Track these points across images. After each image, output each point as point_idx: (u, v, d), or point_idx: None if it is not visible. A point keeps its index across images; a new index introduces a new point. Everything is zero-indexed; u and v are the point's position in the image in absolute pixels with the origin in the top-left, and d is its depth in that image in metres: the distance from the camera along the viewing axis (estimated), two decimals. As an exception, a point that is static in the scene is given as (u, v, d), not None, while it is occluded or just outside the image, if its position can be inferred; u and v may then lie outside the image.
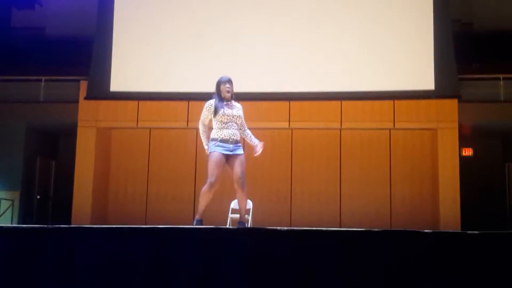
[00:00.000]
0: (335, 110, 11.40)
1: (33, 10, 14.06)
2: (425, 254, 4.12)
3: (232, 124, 5.91)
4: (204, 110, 5.99)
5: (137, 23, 11.68)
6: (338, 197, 11.57)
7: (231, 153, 5.88)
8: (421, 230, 4.31)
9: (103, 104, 11.78)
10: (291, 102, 11.43)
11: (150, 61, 11.49)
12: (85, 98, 11.69)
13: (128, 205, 11.95)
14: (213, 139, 5.90)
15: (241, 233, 4.47)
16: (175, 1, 11.73)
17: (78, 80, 12.05)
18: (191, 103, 11.39)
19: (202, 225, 5.78)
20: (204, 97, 10.82)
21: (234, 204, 9.38)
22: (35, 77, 12.57)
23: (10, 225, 11.05)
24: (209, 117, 5.95)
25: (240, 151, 5.97)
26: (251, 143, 6.17)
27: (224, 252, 4.10)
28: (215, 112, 5.89)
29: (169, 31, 11.54)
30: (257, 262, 4.08)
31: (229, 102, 5.97)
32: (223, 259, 4.07)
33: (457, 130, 11.14)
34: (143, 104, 11.71)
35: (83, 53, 11.88)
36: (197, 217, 5.89)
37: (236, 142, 5.93)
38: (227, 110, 5.89)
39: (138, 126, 11.85)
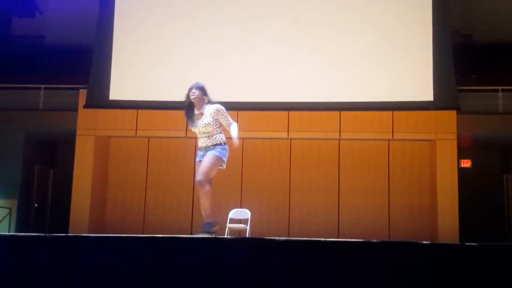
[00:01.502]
0: (334, 120, 11.41)
1: (33, 18, 14.09)
2: (423, 265, 4.11)
3: (201, 136, 6.02)
4: None
5: (137, 32, 11.69)
6: (337, 208, 11.56)
7: (202, 158, 5.99)
8: (420, 241, 4.30)
9: (102, 112, 11.78)
10: (290, 112, 11.44)
11: (149, 70, 11.49)
12: (84, 107, 11.68)
13: (126, 214, 11.92)
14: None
15: (239, 243, 4.45)
16: (175, 10, 11.74)
17: (77, 89, 12.05)
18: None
19: (210, 227, 5.80)
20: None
21: (232, 214, 9.39)
22: (34, 85, 12.58)
23: (7, 233, 11.01)
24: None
25: (210, 151, 5.94)
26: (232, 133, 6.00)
27: (223, 261, 4.08)
28: (190, 123, 6.13)
29: (169, 40, 11.55)
30: (255, 271, 4.06)
31: (198, 111, 6.08)
32: (222, 268, 4.06)
33: (455, 141, 11.14)
34: (142, 113, 11.71)
35: (83, 61, 11.88)
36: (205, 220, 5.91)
37: (206, 147, 5.98)
38: (195, 123, 6.06)
39: (137, 135, 11.85)
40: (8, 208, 12.13)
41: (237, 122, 6.16)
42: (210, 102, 6.12)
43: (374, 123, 11.34)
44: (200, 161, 5.96)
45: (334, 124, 11.39)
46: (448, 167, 11.08)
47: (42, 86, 12.54)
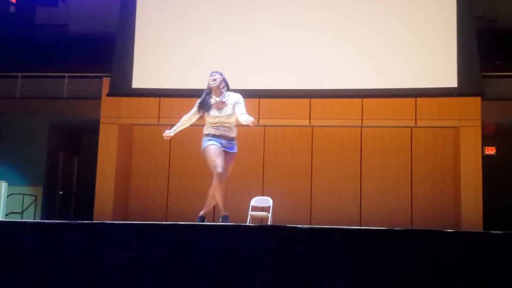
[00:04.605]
0: (356, 107, 11.34)
1: (56, 8, 14.20)
2: (447, 254, 4.09)
3: (220, 125, 5.83)
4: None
5: (159, 20, 11.72)
6: (359, 196, 11.52)
7: (224, 148, 5.80)
8: (444, 230, 4.27)
9: (125, 100, 11.87)
10: (312, 100, 11.40)
11: (171, 58, 11.53)
12: (108, 95, 11.79)
13: (149, 201, 12.03)
14: (206, 135, 5.88)
15: (262, 230, 4.47)
16: (198, -1, 11.75)
17: (101, 77, 12.15)
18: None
19: (229, 221, 5.68)
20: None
21: (254, 202, 9.41)
22: (58, 74, 12.71)
23: (33, 220, 11.20)
24: (194, 111, 5.98)
25: (233, 149, 5.89)
26: (241, 121, 5.82)
27: (244, 249, 4.10)
28: (204, 109, 5.89)
29: (191, 28, 11.57)
30: (277, 259, 4.08)
31: (218, 98, 5.88)
32: (244, 256, 4.08)
33: (480, 128, 11.01)
34: (165, 101, 11.77)
35: (106, 50, 11.97)
36: (223, 213, 5.76)
37: (229, 138, 5.86)
38: (214, 112, 5.82)
39: (160, 123, 11.91)
40: (33, 195, 12.33)
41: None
42: (229, 90, 5.96)
43: (397, 110, 11.25)
44: (223, 149, 5.77)
45: (356, 112, 11.33)
46: (472, 154, 10.96)
47: (66, 74, 12.68)
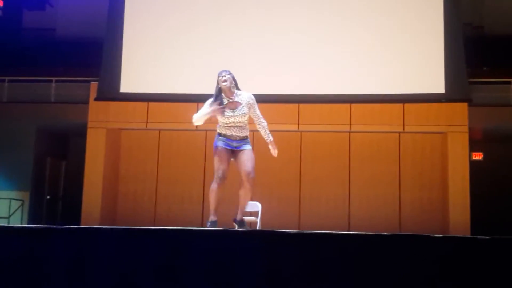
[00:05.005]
0: (345, 113, 11.38)
1: (43, 11, 14.12)
2: (436, 258, 4.10)
3: (233, 125, 5.69)
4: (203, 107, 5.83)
5: (147, 24, 11.69)
6: (347, 201, 11.55)
7: (235, 148, 5.71)
8: (432, 235, 4.29)
9: (113, 105, 11.81)
10: (301, 105, 11.42)
11: (160, 62, 11.50)
12: (95, 99, 11.73)
13: (137, 206, 11.97)
14: (218, 133, 5.76)
15: (250, 235, 4.46)
16: (186, 2, 11.74)
17: (88, 81, 12.09)
18: (201, 105, 11.38)
19: (216, 226, 5.58)
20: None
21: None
22: (45, 78, 12.64)
23: (20, 225, 11.10)
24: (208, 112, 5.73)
25: (247, 146, 5.77)
26: (265, 138, 5.92)
27: (234, 254, 4.09)
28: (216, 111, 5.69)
29: (179, 32, 11.54)
30: (267, 264, 4.07)
31: (231, 98, 5.74)
32: (233, 260, 4.07)
33: (467, 134, 11.07)
34: (153, 105, 11.74)
35: (94, 54, 11.91)
36: (211, 217, 5.66)
37: (242, 138, 5.75)
38: (228, 112, 5.66)
39: (148, 127, 11.88)
40: (20, 200, 12.23)
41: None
42: (238, 89, 5.84)
43: (385, 115, 11.30)
44: (232, 149, 5.68)
45: (345, 117, 11.37)
46: (459, 160, 11.03)
47: (54, 79, 12.60)
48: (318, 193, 11.57)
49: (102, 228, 4.46)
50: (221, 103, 5.70)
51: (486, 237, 4.24)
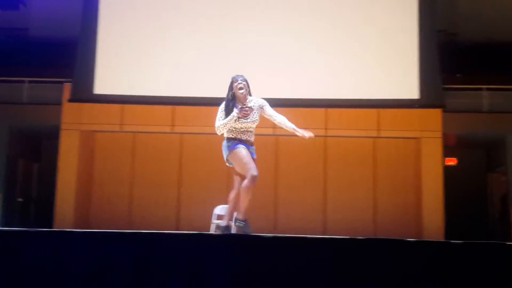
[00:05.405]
0: (320, 117, 11.41)
1: (17, 11, 13.89)
2: (408, 263, 4.12)
3: (247, 130, 5.84)
4: (218, 115, 5.85)
5: (122, 25, 11.56)
6: (323, 205, 11.58)
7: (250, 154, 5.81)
8: (406, 239, 4.31)
9: (87, 107, 11.67)
10: (276, 109, 11.39)
11: (135, 64, 11.38)
12: (69, 101, 11.56)
13: (111, 209, 11.84)
14: (231, 139, 5.79)
15: (225, 239, 4.44)
16: (162, 2, 11.64)
17: (62, 82, 11.93)
18: (177, 107, 11.37)
19: (248, 227, 5.75)
20: (190, 101, 10.94)
21: (218, 210, 9.33)
22: (18, 79, 12.45)
23: (-10, 228, 10.90)
24: (230, 119, 5.75)
25: (254, 155, 5.94)
26: (289, 129, 6.05)
27: (209, 258, 4.06)
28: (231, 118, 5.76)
29: (155, 34, 11.44)
30: (242, 268, 4.05)
31: (244, 104, 5.78)
32: (208, 264, 4.04)
33: (441, 139, 11.21)
34: (128, 107, 11.63)
35: (67, 54, 11.73)
36: (243, 217, 5.85)
37: (251, 143, 5.91)
38: (242, 118, 5.74)
39: (122, 129, 11.78)
40: (-9, 202, 12.02)
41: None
42: (250, 95, 5.94)
43: (360, 120, 11.37)
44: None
45: (320, 121, 11.40)
46: (433, 165, 11.15)
47: (26, 79, 12.42)
48: (294, 197, 11.58)
49: (76, 231, 4.40)
50: (242, 108, 5.74)
51: (459, 241, 4.28)
